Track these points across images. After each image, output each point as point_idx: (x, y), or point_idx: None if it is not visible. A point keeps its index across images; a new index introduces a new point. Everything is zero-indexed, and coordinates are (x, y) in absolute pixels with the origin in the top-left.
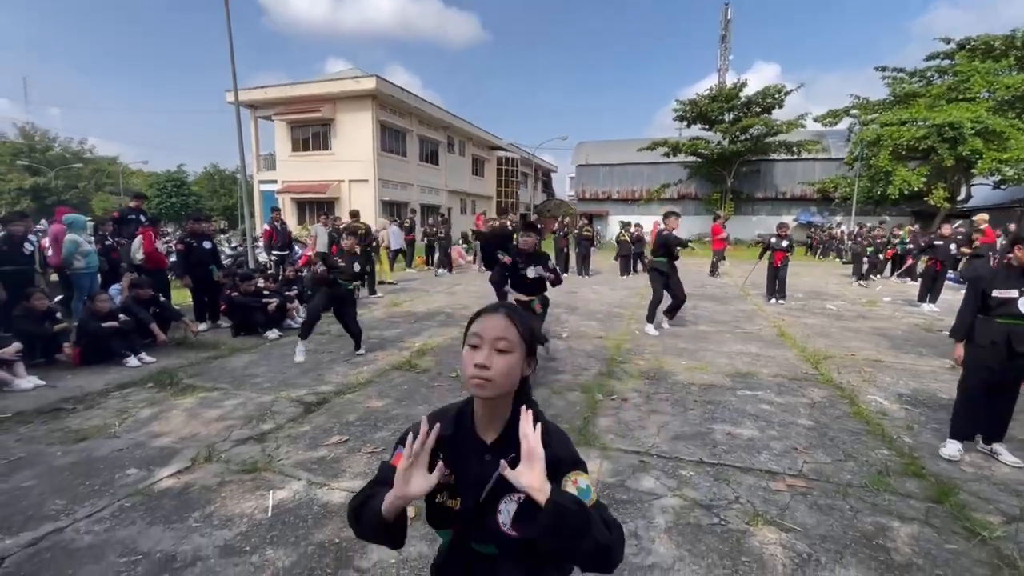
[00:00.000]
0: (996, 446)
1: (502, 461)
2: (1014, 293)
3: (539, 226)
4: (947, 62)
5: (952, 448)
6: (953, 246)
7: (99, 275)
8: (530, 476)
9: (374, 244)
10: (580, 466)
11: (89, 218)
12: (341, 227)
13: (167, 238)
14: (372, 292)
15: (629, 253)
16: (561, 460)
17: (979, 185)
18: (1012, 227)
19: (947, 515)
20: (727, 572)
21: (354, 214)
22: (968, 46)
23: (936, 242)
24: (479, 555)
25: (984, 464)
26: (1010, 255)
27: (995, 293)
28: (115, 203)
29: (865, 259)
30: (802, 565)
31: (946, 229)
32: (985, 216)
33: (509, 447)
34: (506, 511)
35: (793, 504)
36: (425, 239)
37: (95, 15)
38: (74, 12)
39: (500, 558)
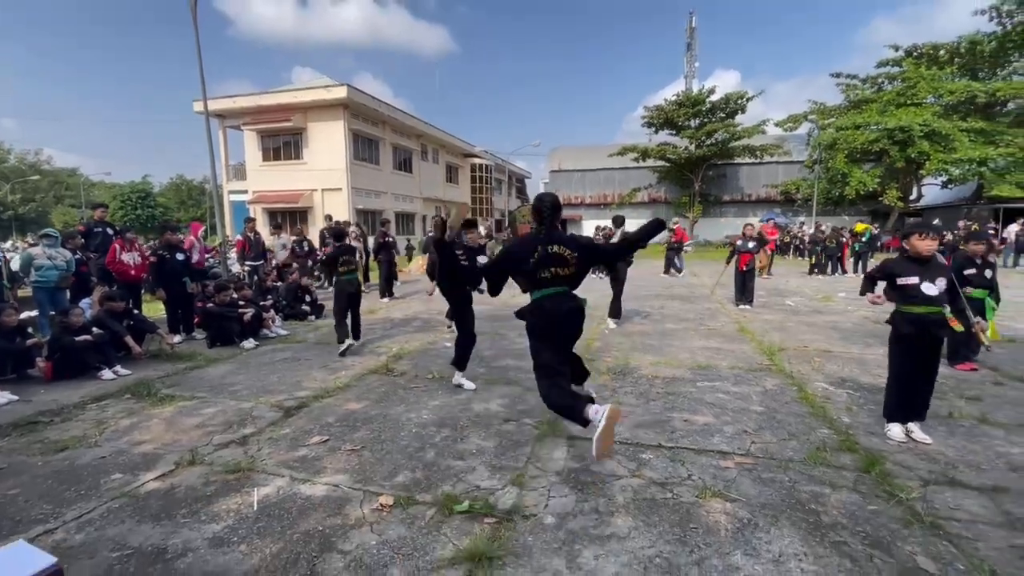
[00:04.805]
0: (911, 424)
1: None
2: (915, 279)
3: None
4: (896, 69)
5: (897, 430)
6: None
7: (67, 290)
8: None
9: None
10: None
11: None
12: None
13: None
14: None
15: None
16: None
17: (928, 185)
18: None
19: (872, 482)
20: (676, 537)
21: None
22: (915, 53)
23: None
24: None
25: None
26: (906, 247)
27: (899, 281)
28: (76, 216)
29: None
30: (742, 529)
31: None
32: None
33: None
34: None
35: (739, 479)
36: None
37: (51, 23)
38: (28, 20)
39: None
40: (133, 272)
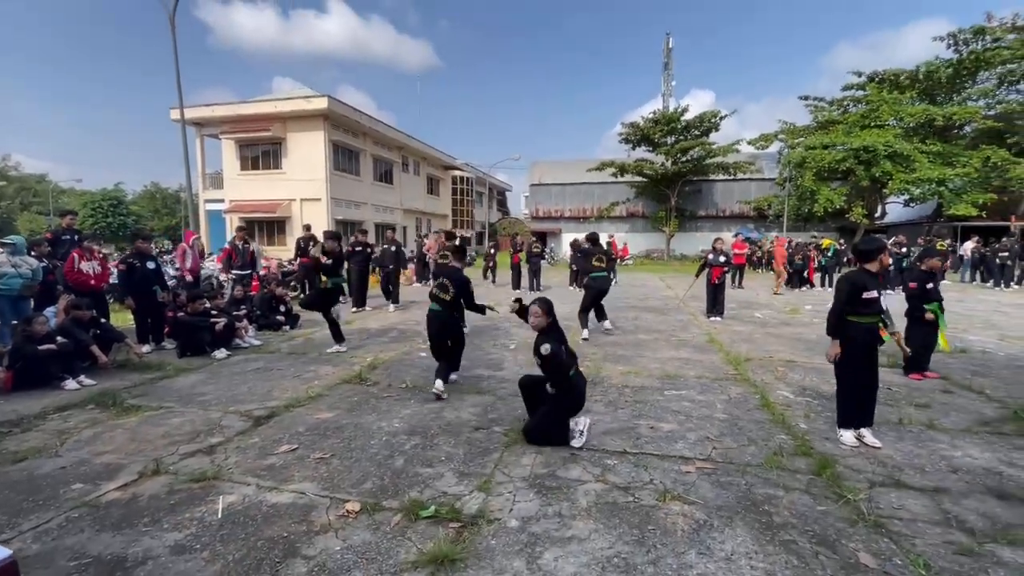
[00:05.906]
0: (863, 430)
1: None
2: (875, 293)
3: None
4: (860, 92)
5: (849, 436)
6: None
7: (31, 299)
8: None
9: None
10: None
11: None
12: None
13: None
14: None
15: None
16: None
17: (892, 203)
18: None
19: (824, 484)
20: (634, 538)
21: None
22: (877, 79)
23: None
24: None
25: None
26: (866, 266)
27: (865, 295)
28: (43, 223)
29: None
30: (698, 530)
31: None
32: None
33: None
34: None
35: (699, 482)
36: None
37: (21, 23)
38: None
39: None
40: (92, 282)
